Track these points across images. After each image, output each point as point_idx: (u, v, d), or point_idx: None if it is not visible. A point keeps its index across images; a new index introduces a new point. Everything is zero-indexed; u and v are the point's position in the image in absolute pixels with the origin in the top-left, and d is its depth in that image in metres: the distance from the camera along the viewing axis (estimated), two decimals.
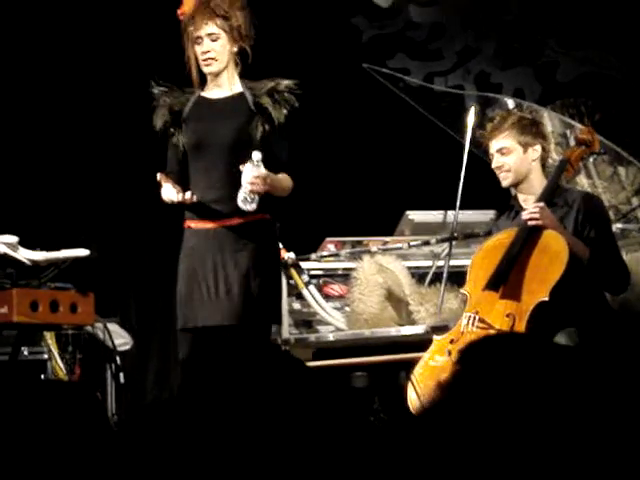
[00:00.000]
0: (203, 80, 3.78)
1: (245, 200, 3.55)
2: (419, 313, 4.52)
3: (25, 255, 4.36)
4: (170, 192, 3.59)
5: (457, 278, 4.52)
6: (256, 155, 3.53)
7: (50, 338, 5.51)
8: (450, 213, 4.74)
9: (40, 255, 4.39)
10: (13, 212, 6.62)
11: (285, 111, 3.64)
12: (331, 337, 4.63)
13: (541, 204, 3.75)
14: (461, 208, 4.54)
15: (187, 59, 3.71)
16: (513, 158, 3.87)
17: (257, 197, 3.55)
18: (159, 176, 3.66)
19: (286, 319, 4.61)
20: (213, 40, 3.64)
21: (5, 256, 4.32)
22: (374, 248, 4.75)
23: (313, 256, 4.77)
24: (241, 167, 3.55)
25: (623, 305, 4.05)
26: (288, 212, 6.53)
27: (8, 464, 1.46)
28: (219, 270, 3.67)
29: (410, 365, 3.94)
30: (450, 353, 3.68)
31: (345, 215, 6.17)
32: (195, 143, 3.70)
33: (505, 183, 3.92)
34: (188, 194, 3.58)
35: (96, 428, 1.53)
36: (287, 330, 4.61)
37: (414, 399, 3.67)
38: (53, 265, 4.52)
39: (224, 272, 3.66)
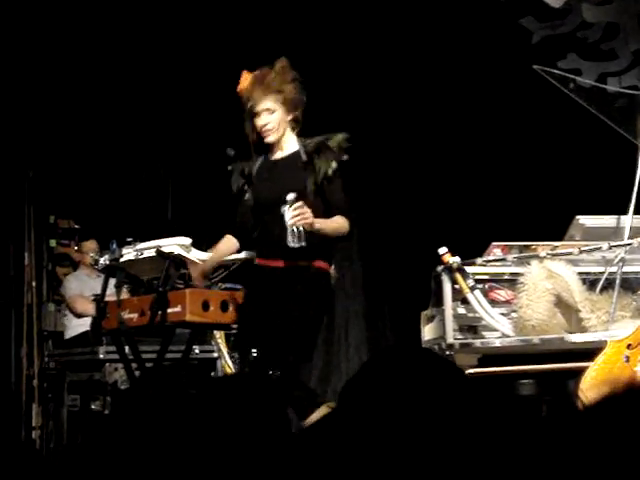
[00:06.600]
0: (265, 146, 4.13)
1: (292, 239, 3.85)
2: (590, 320, 4.39)
3: (197, 256, 4.47)
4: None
5: (630, 284, 4.37)
6: (290, 196, 3.85)
7: (220, 337, 5.67)
8: (623, 218, 4.59)
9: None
10: (186, 215, 6.86)
11: (334, 163, 3.98)
12: (497, 343, 4.54)
13: None
14: (635, 213, 4.39)
15: (247, 130, 4.08)
16: None
17: (303, 233, 3.83)
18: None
19: (450, 323, 4.57)
20: (270, 114, 4.02)
21: (179, 257, 4.44)
22: (543, 253, 4.64)
23: (479, 260, 4.70)
24: (282, 211, 3.87)
25: None
26: (454, 216, 6.51)
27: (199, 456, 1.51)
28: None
29: (579, 374, 3.83)
30: (628, 359, 3.54)
31: (512, 219, 6.06)
32: (258, 198, 4.09)
33: None
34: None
35: (276, 417, 1.57)
36: (452, 335, 4.56)
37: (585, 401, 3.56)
38: (223, 267, 4.62)
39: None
